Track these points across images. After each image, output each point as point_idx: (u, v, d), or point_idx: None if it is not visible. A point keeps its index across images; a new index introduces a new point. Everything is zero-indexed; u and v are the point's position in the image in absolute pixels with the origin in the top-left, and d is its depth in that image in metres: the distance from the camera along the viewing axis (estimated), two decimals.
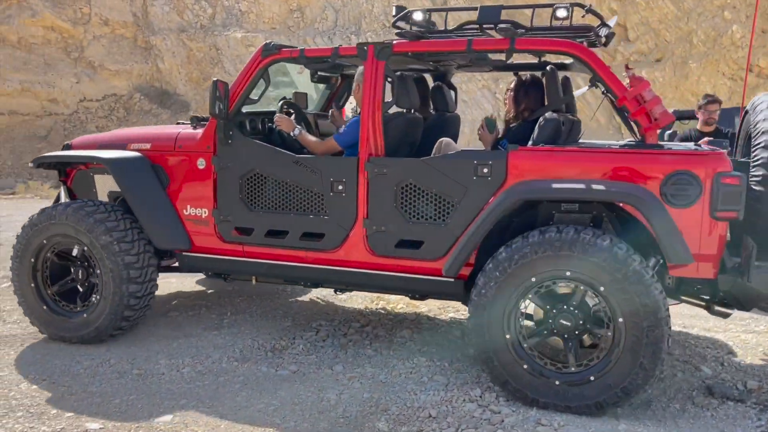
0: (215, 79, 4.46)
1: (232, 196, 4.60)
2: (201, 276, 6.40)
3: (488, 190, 3.91)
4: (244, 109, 4.82)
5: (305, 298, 6.14)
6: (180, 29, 21.26)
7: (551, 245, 3.60)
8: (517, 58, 5.11)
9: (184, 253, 4.85)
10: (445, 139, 4.46)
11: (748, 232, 3.84)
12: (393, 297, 5.90)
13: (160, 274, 5.02)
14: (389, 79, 4.30)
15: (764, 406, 3.89)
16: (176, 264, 5.04)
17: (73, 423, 3.67)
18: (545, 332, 3.78)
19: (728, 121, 7.31)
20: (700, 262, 3.63)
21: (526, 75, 4.40)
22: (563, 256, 3.57)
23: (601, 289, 3.55)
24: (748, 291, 3.68)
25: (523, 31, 4.03)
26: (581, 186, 3.66)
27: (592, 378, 3.62)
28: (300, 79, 5.56)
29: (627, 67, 3.94)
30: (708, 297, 4.08)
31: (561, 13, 3.96)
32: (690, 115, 7.43)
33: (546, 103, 4.24)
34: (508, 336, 3.75)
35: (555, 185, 3.71)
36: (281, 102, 5.08)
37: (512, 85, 4.40)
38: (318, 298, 6.12)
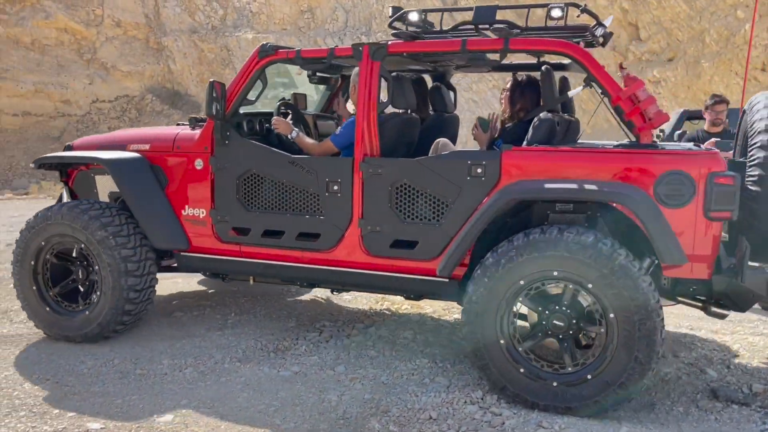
0: (212, 80, 4.48)
1: (229, 197, 4.62)
2: (203, 277, 6.44)
3: (482, 190, 3.91)
4: (243, 110, 4.84)
5: (310, 298, 6.14)
6: (191, 30, 21.41)
7: (536, 246, 3.59)
8: (517, 59, 5.11)
9: (182, 253, 4.88)
10: (442, 140, 4.46)
11: (745, 233, 3.81)
12: (397, 298, 5.90)
13: (160, 274, 5.05)
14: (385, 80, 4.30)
15: None
16: (175, 264, 5.06)
17: (75, 423, 3.68)
18: (539, 334, 3.76)
19: (737, 121, 7.24)
20: (694, 262, 3.61)
21: (522, 75, 4.39)
22: (549, 257, 3.56)
23: (590, 286, 3.54)
24: (742, 291, 3.65)
25: (518, 31, 4.02)
26: (573, 186, 3.65)
27: (589, 377, 3.59)
28: (301, 80, 5.57)
29: (621, 67, 3.91)
30: (704, 298, 4.05)
31: (556, 12, 3.94)
32: (700, 116, 7.38)
33: (542, 104, 4.23)
34: (502, 341, 3.74)
35: (547, 185, 3.70)
36: (279, 103, 5.10)
37: (508, 86, 4.40)
38: (322, 298, 6.12)
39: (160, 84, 21.48)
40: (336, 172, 4.29)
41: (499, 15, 4.05)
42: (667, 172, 3.56)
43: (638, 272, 3.47)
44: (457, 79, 19.55)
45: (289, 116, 5.04)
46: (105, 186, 5.20)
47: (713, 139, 6.24)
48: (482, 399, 3.87)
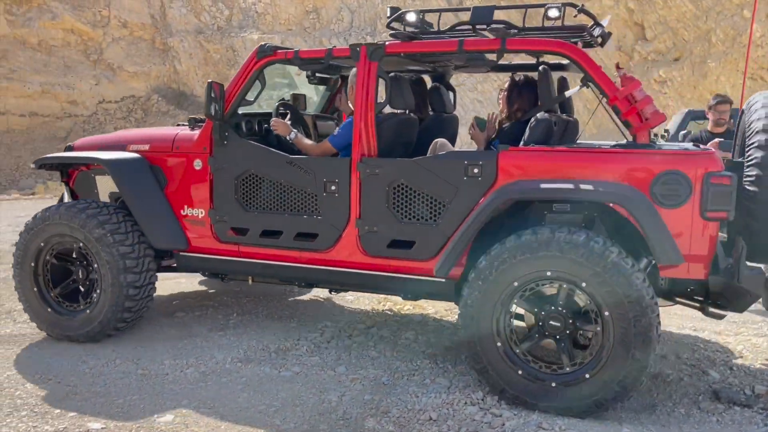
0: (210, 80, 4.50)
1: (227, 197, 4.63)
2: (205, 277, 6.44)
3: (479, 190, 3.91)
4: (242, 111, 4.85)
5: (312, 299, 6.15)
6: (197, 31, 21.48)
7: (528, 247, 3.59)
8: (518, 59, 5.10)
9: (181, 253, 4.90)
10: (440, 140, 4.46)
11: (743, 233, 3.80)
12: (399, 298, 5.89)
13: (162, 274, 5.06)
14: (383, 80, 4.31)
15: None
16: (175, 264, 5.08)
17: (76, 423, 3.69)
18: (536, 335, 3.76)
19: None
20: (691, 262, 3.59)
21: (519, 75, 4.39)
22: (541, 257, 3.56)
23: (583, 284, 3.53)
24: (739, 292, 3.64)
25: (515, 31, 4.01)
26: (569, 186, 3.65)
27: (587, 376, 3.59)
28: (302, 81, 5.58)
29: (618, 67, 3.91)
30: (702, 298, 4.04)
31: (552, 13, 3.94)
32: (704, 116, 7.33)
33: (539, 104, 4.23)
34: (499, 344, 3.74)
35: (543, 185, 3.70)
36: (278, 104, 5.11)
37: (506, 86, 4.40)
38: (325, 299, 6.13)
39: (166, 84, 21.57)
40: (333, 173, 4.29)
41: (502, 15, 4.05)
42: (663, 172, 3.55)
43: (631, 269, 3.47)
44: (462, 78, 19.56)
45: (288, 117, 5.05)
46: (105, 186, 5.22)
47: (716, 140, 6.20)
48: (483, 400, 3.86)
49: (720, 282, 3.65)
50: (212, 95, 4.39)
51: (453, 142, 4.92)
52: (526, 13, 4.19)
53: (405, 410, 3.80)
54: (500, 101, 4.45)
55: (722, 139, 6.23)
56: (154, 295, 4.99)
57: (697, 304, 4.07)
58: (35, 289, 4.92)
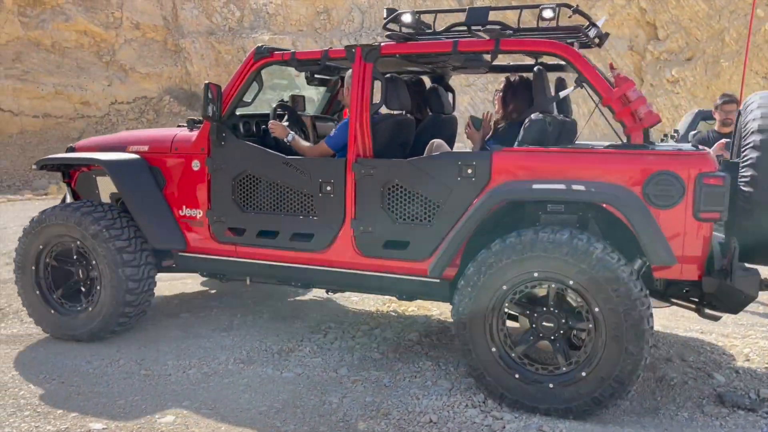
0: (207, 82, 4.52)
1: (225, 198, 4.66)
2: (204, 278, 6.47)
3: (473, 191, 3.91)
4: (240, 112, 4.88)
5: (316, 300, 6.16)
6: (209, 32, 21.56)
7: (514, 250, 3.60)
8: (515, 59, 5.09)
9: (179, 254, 4.93)
10: (437, 141, 4.46)
11: (738, 234, 3.77)
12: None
13: (164, 275, 5.08)
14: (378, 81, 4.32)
15: None
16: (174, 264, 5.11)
17: (78, 423, 3.72)
18: (531, 338, 3.76)
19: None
20: (684, 263, 3.58)
21: (514, 76, 4.38)
22: (527, 258, 3.57)
23: (570, 282, 3.54)
24: (733, 293, 3.61)
25: (510, 32, 4.01)
26: (561, 186, 3.64)
27: (583, 374, 3.58)
28: (303, 82, 5.61)
29: (612, 67, 3.89)
30: (697, 299, 4.01)
31: (547, 13, 3.94)
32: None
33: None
34: (494, 349, 3.75)
35: (536, 186, 3.69)
36: (275, 105, 5.13)
37: (501, 86, 4.39)
38: (329, 300, 6.13)
39: (178, 85, 21.66)
40: (329, 173, 4.31)
41: (501, 16, 4.04)
42: (656, 173, 3.54)
43: (617, 263, 3.46)
44: (472, 79, 19.53)
45: (285, 118, 5.07)
46: (106, 187, 5.26)
47: (723, 140, 6.13)
48: (484, 403, 3.86)
49: (713, 283, 3.62)
50: (210, 96, 4.43)
51: (452, 142, 4.93)
52: (521, 13, 4.19)
53: (405, 412, 3.80)
54: (496, 102, 4.45)
55: (729, 140, 6.17)
56: (160, 296, 5.02)
57: (693, 306, 4.05)
58: (37, 292, 4.97)
